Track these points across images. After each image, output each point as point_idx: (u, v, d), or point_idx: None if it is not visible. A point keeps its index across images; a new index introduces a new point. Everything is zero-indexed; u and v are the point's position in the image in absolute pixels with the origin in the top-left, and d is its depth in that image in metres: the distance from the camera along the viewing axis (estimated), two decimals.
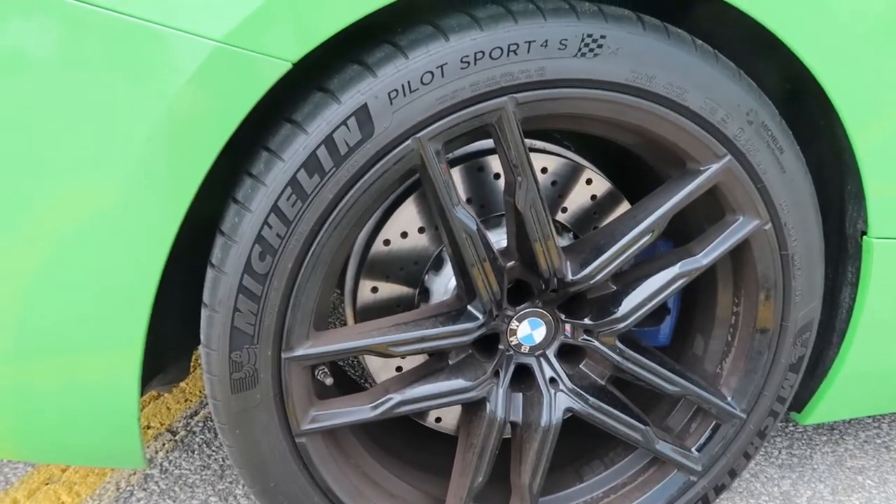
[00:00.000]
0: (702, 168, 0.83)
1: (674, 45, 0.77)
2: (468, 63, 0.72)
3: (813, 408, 1.04)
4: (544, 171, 0.94)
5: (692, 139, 0.81)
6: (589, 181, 0.97)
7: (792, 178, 0.86)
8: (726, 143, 0.81)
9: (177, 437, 1.39)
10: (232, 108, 0.70)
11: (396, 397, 0.86)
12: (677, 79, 0.77)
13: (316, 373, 0.88)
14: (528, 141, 0.90)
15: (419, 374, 0.90)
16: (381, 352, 0.85)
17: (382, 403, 0.86)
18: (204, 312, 0.79)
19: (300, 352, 0.81)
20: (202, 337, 0.80)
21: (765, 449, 1.30)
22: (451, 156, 0.92)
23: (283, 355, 0.80)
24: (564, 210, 0.98)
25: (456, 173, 0.92)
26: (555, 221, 0.97)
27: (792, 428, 1.36)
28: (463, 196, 0.93)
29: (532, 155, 0.91)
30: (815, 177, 0.89)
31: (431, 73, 0.72)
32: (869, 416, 1.39)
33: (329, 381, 0.88)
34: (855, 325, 0.96)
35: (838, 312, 0.98)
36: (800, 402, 1.05)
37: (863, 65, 0.81)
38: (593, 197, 0.97)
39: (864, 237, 0.91)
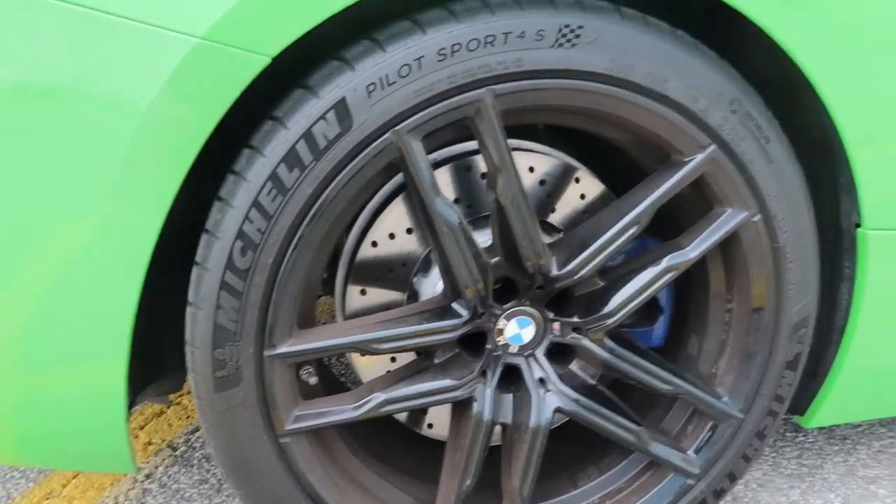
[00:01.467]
0: (686, 159, 0.82)
1: (653, 35, 0.77)
2: (445, 55, 0.73)
3: (815, 410, 1.01)
4: (532, 170, 0.94)
5: (675, 129, 0.80)
6: (578, 180, 0.96)
7: (780, 168, 0.84)
8: (710, 132, 0.81)
9: (177, 453, 1.38)
10: (212, 105, 0.71)
11: (381, 396, 0.85)
12: (657, 68, 0.77)
13: (300, 372, 0.87)
14: (514, 141, 0.91)
15: (405, 374, 0.89)
16: (365, 349, 0.84)
17: (367, 402, 0.85)
18: (188, 310, 0.79)
19: (282, 349, 0.80)
20: (187, 335, 0.80)
21: (773, 459, 1.26)
22: (437, 156, 0.93)
23: (266, 353, 0.80)
24: (554, 210, 0.97)
25: (444, 173, 0.93)
26: (545, 222, 0.96)
27: (802, 437, 1.32)
28: (451, 196, 0.93)
29: (519, 154, 0.92)
30: (806, 170, 0.88)
31: (409, 65, 0.72)
32: (883, 426, 1.35)
33: (313, 380, 0.87)
34: (854, 321, 0.94)
35: (837, 309, 0.96)
36: (802, 404, 1.02)
37: (850, 54, 0.81)
38: (583, 196, 0.97)
39: (859, 230, 0.89)
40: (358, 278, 0.94)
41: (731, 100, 0.81)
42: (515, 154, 0.90)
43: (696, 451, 0.96)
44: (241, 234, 0.75)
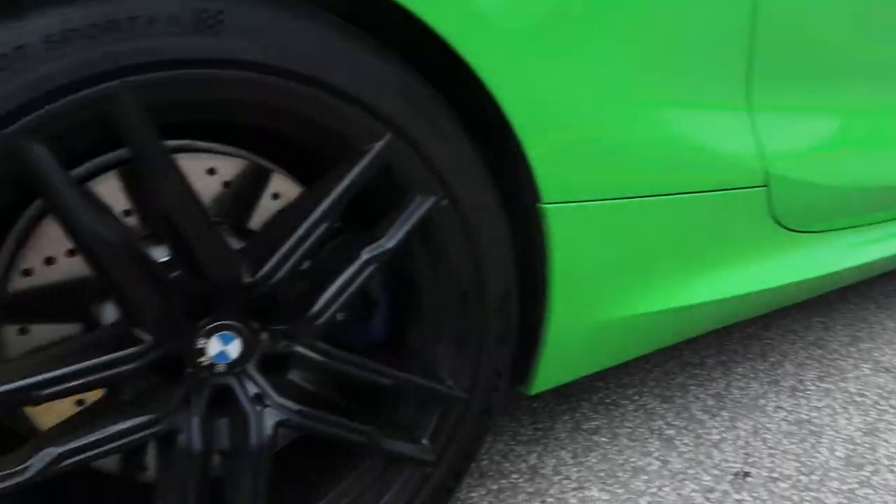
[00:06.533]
0: (364, 149, 0.81)
1: (306, 20, 0.74)
2: (57, 43, 0.62)
3: (535, 377, 1.07)
4: (212, 172, 0.86)
5: (347, 119, 0.78)
6: (267, 180, 0.91)
7: (457, 151, 0.87)
8: (383, 120, 0.80)
9: None
10: None
11: (54, 451, 0.72)
12: (315, 55, 0.74)
13: None
14: (186, 141, 0.83)
15: (88, 417, 0.77)
16: (26, 399, 0.70)
17: (37, 462, 0.71)
18: None
19: None
20: None
21: (513, 428, 1.33)
22: (103, 160, 0.81)
23: None
24: (243, 213, 0.90)
25: (113, 179, 0.82)
26: (244, 228, 0.90)
27: (536, 404, 1.41)
28: (124, 206, 0.82)
29: (194, 156, 0.84)
30: (483, 149, 0.91)
31: (6, 55, 0.61)
32: (599, 380, 1.49)
33: None
34: (551, 290, 1.00)
35: (535, 280, 1.02)
36: (525, 374, 1.08)
37: (502, 30, 0.84)
38: (276, 196, 0.91)
39: (540, 205, 0.95)
40: (12, 315, 0.79)
41: (399, 86, 0.81)
42: (189, 156, 0.83)
43: (431, 439, 0.96)
44: None
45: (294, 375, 0.93)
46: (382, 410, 0.99)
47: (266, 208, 0.91)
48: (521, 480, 1.19)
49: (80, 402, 0.85)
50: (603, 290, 1.06)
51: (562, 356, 1.08)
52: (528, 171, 0.92)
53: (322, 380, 0.94)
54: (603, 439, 1.29)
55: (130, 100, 0.66)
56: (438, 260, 0.92)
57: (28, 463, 0.71)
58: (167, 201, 0.71)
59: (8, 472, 0.70)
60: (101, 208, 0.73)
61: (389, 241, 0.85)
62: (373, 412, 0.96)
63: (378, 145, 0.80)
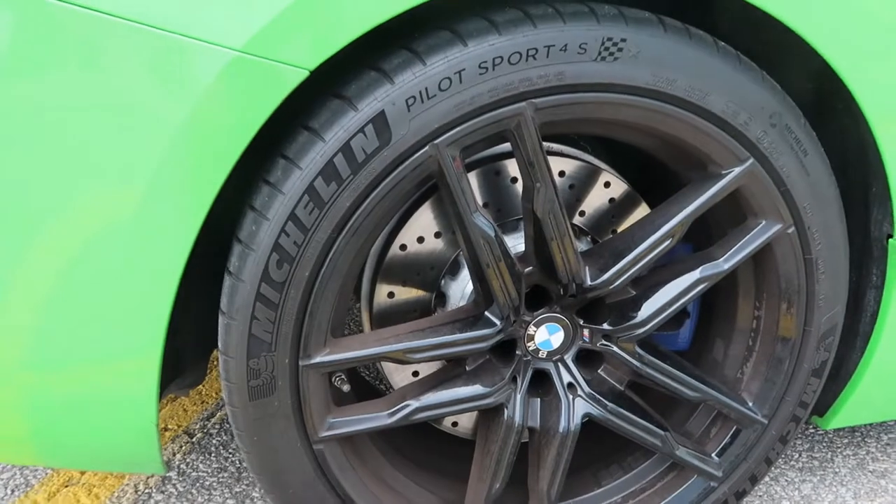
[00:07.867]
0: (723, 171, 0.81)
1: (695, 48, 0.76)
2: (486, 69, 0.71)
3: (836, 412, 1.03)
4: (562, 174, 0.93)
5: (714, 142, 0.80)
6: (607, 184, 0.96)
7: (816, 181, 0.84)
8: (749, 146, 0.80)
9: (194, 440, 1.39)
10: (250, 116, 0.70)
11: (413, 404, 0.86)
12: (699, 81, 0.76)
13: (333, 379, 0.87)
14: (544, 144, 0.90)
15: (436, 381, 0.89)
16: (398, 359, 0.84)
17: (399, 410, 0.86)
18: (221, 320, 0.79)
19: (317, 359, 0.81)
20: (220, 344, 0.80)
21: (786, 453, 1.28)
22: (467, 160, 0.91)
23: (301, 363, 0.80)
24: (582, 213, 0.97)
25: (472, 177, 0.92)
26: (573, 225, 0.96)
27: (812, 430, 1.34)
28: (479, 200, 0.92)
29: (549, 158, 0.91)
30: (838, 179, 0.88)
31: (449, 79, 0.71)
32: (891, 420, 1.37)
33: (346, 387, 0.88)
34: (880, 328, 0.94)
35: (862, 316, 0.96)
36: (822, 406, 1.04)
37: (889, 61, 0.80)
38: (611, 200, 0.96)
39: (891, 240, 0.89)
40: (386, 279, 0.93)
41: (771, 113, 0.80)
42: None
43: (720, 454, 0.97)
44: (277, 247, 0.75)
45: (601, 371, 0.99)
46: (674, 415, 1.02)
47: (598, 209, 0.97)
48: None
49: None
50: None
51: (871, 396, 1.02)
52: (886, 205, 0.87)
53: (623, 378, 0.99)
54: (892, 486, 1.20)
55: (530, 118, 0.74)
56: (765, 283, 0.91)
57: (394, 409, 0.86)
58: (542, 207, 0.79)
59: (384, 414, 0.85)
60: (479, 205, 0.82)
61: (726, 263, 0.86)
62: (665, 415, 1.00)
63: (737, 170, 0.81)
